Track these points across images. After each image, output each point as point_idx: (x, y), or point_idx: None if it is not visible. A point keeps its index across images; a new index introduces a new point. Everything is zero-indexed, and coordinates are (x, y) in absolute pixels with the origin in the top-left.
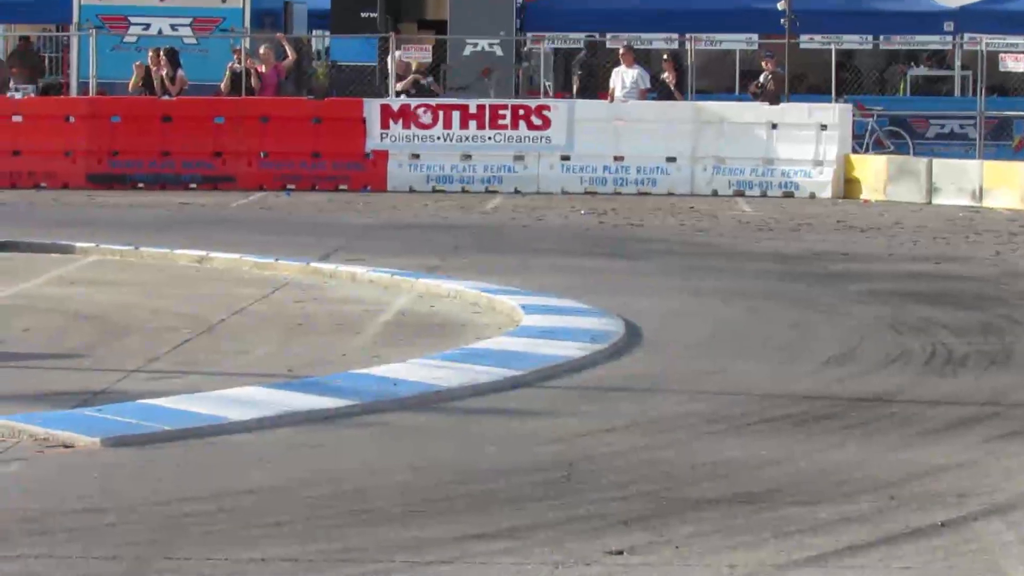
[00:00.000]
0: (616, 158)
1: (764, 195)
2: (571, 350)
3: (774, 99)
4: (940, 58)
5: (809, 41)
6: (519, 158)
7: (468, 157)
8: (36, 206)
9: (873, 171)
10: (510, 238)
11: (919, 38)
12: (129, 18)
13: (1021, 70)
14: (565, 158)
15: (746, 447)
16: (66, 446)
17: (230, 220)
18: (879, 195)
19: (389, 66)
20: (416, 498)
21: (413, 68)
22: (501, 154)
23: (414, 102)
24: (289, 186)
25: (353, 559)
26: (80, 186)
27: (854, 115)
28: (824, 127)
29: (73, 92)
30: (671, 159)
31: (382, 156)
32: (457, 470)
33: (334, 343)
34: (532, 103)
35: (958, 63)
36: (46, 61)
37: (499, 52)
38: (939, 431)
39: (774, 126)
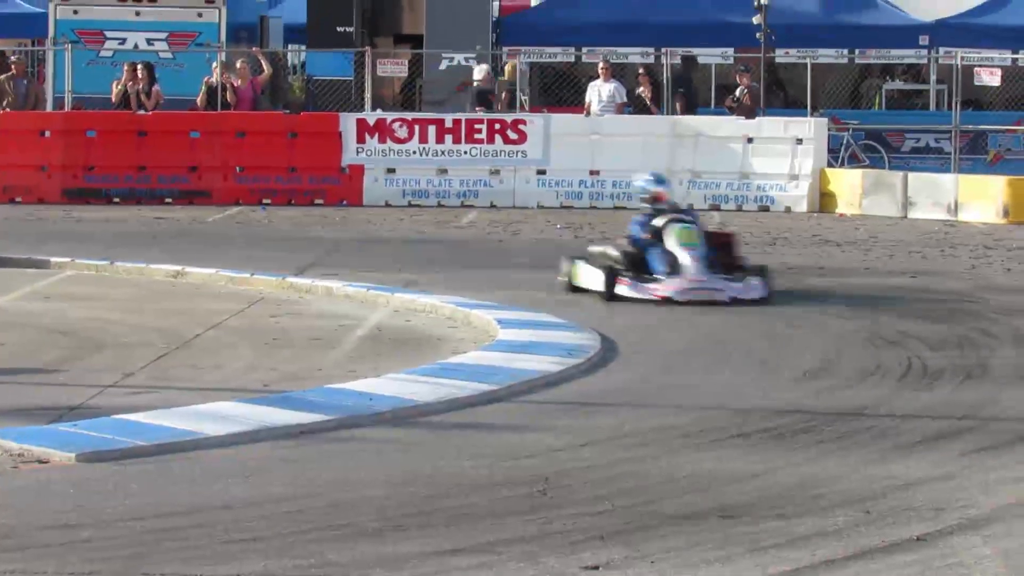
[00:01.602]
0: (592, 172)
1: (740, 209)
2: (547, 364)
3: (750, 113)
4: (915, 72)
5: (784, 55)
6: (495, 172)
7: (444, 171)
8: (11, 221)
9: (849, 185)
10: (486, 252)
11: (894, 52)
12: (105, 33)
13: (996, 84)
14: (541, 172)
15: (722, 461)
16: (41, 461)
17: (206, 235)
18: (855, 209)
19: (366, 80)
20: (392, 513)
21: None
22: (477, 168)
23: (390, 116)
24: (265, 201)
25: (330, 574)
26: (56, 201)
27: (829, 129)
28: (800, 141)
29: (49, 107)
30: None
31: (358, 170)
32: (433, 485)
33: (310, 358)
34: (508, 117)
35: (933, 77)
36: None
37: (477, 76)
38: (915, 445)
39: (750, 140)
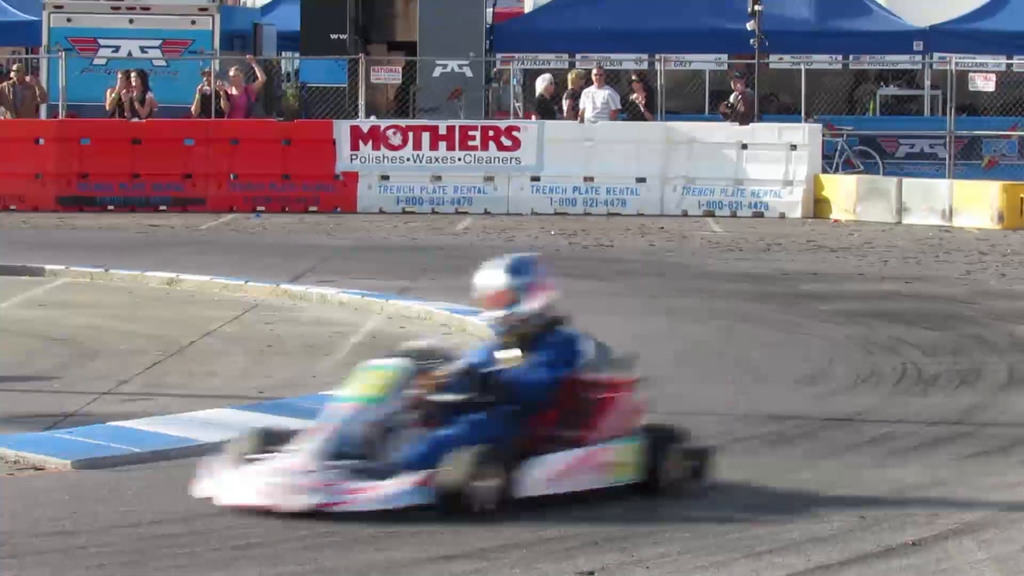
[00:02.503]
0: (586, 179)
1: (734, 215)
2: None
3: (744, 119)
4: (910, 78)
5: (779, 61)
6: (489, 179)
7: (438, 178)
8: (5, 228)
9: (843, 191)
10: (480, 259)
11: (889, 58)
12: (99, 40)
13: (990, 89)
14: (535, 179)
15: (717, 467)
16: (37, 468)
17: (200, 242)
18: (849, 215)
19: (360, 87)
20: (387, 520)
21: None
22: (471, 175)
23: (384, 123)
24: (259, 208)
25: None
26: (50, 208)
27: (824, 135)
28: (794, 147)
29: (43, 114)
30: (641, 180)
31: (352, 177)
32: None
33: (304, 365)
34: (502, 124)
35: (928, 83)
36: None
37: (469, 73)
38: (910, 450)
39: (744, 146)
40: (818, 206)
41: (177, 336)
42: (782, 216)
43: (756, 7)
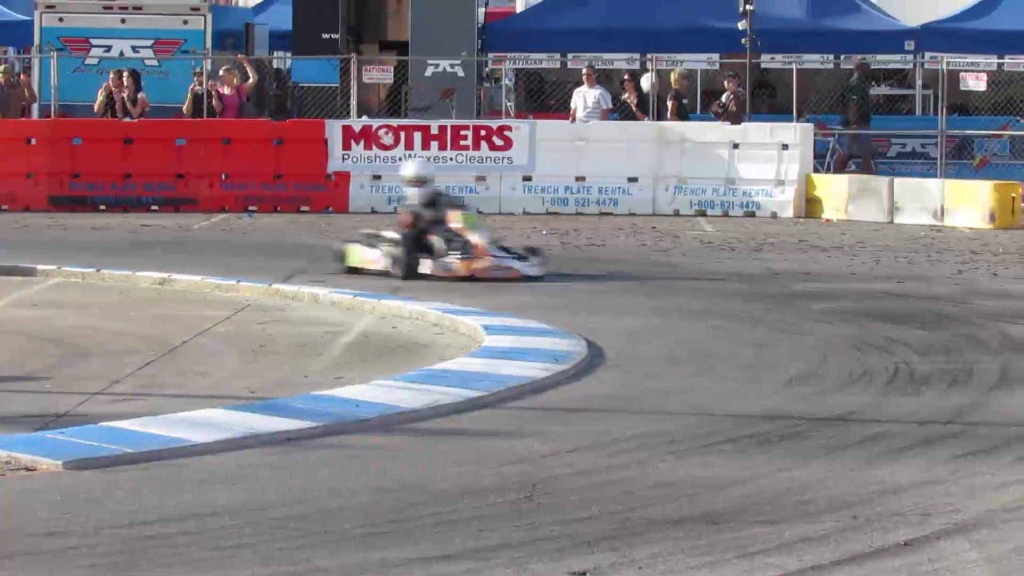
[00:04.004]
0: (578, 178)
1: (726, 215)
2: (534, 370)
3: (736, 119)
4: (901, 77)
5: (770, 61)
6: (481, 179)
7: None
8: None
9: (835, 190)
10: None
11: (880, 57)
12: (90, 40)
13: (982, 89)
14: (527, 178)
15: (709, 467)
16: (28, 469)
17: (192, 242)
18: (841, 214)
19: (352, 87)
20: (379, 519)
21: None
22: (463, 175)
23: (375, 123)
24: (251, 208)
25: None
26: (42, 208)
27: (815, 134)
28: (786, 147)
29: (35, 114)
30: (633, 179)
31: (344, 177)
32: (420, 491)
33: (296, 365)
34: (494, 124)
35: (919, 82)
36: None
37: (460, 73)
38: (902, 450)
39: (736, 146)
40: (810, 206)
41: (169, 336)
42: (774, 216)
43: (748, 6)
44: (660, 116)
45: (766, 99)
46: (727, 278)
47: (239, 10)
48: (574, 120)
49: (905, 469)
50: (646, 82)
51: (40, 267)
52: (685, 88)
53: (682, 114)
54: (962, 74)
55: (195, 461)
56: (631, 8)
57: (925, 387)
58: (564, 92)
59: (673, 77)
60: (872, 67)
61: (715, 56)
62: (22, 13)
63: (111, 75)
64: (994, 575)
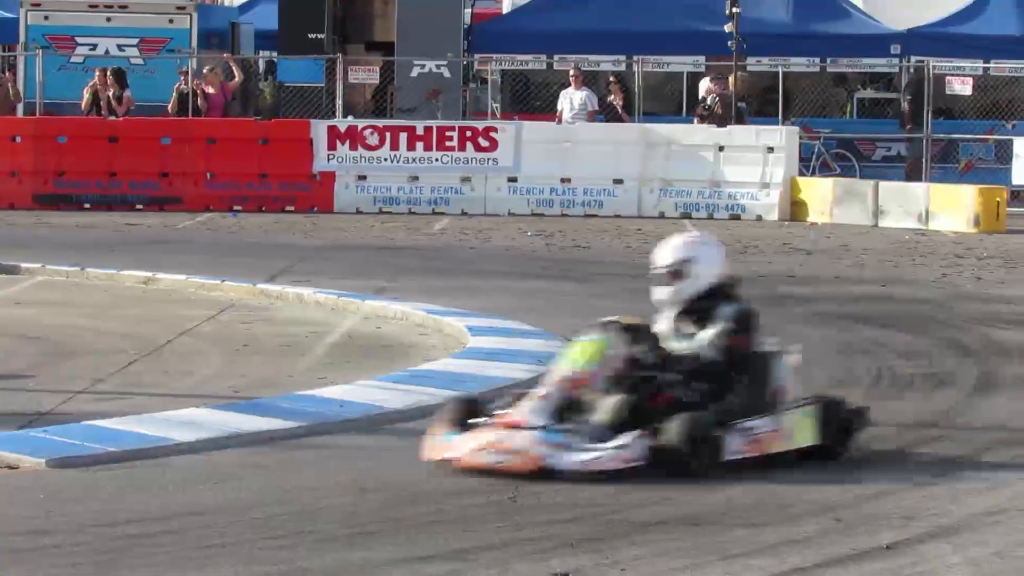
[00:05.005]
0: (563, 180)
1: (711, 217)
2: (518, 372)
3: (721, 122)
4: (887, 81)
5: (756, 64)
6: (466, 180)
7: (415, 179)
8: None
9: (820, 194)
10: (457, 260)
11: (866, 61)
12: (76, 38)
13: (967, 93)
14: (512, 180)
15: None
16: (11, 467)
17: (177, 241)
18: (825, 217)
19: (337, 87)
20: (363, 519)
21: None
22: (448, 176)
23: (361, 123)
24: (236, 207)
25: None
26: (26, 206)
27: (801, 138)
28: (771, 149)
29: (20, 112)
30: (618, 181)
31: (329, 177)
32: (403, 492)
33: (280, 364)
34: (479, 124)
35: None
36: None
37: (446, 74)
38: (885, 453)
39: (721, 148)
40: (795, 209)
41: (153, 335)
42: (759, 218)
43: (734, 9)
44: (739, 119)
45: (751, 102)
46: None
47: (225, 9)
48: (560, 121)
49: (888, 472)
50: (703, 87)
51: (24, 265)
52: (746, 91)
53: (739, 118)
54: (947, 78)
55: (178, 460)
56: (617, 10)
57: (909, 390)
58: (550, 93)
59: (730, 80)
60: (858, 71)
61: (701, 59)
62: (7, 11)
63: (96, 73)
64: None
